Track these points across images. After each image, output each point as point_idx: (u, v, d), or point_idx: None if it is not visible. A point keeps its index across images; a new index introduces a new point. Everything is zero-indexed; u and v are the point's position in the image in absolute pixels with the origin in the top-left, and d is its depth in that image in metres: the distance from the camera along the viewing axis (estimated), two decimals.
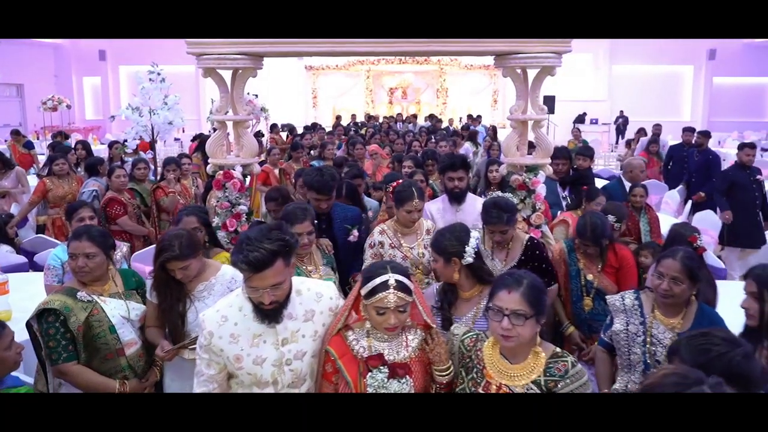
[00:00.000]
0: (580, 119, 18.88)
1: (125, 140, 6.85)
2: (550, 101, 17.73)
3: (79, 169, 6.37)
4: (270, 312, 1.87)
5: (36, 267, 4.16)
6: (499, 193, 3.46)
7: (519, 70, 3.33)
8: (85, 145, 7.17)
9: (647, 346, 2.31)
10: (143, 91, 6.46)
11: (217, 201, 3.34)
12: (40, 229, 5.55)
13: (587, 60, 19.60)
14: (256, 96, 9.89)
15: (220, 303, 2.01)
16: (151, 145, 6.70)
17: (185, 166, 5.74)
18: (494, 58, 3.35)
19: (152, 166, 6.51)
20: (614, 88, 19.64)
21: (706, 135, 7.49)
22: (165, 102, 6.48)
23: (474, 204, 3.50)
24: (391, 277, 1.86)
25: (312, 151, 7.81)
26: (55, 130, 13.23)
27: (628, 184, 4.72)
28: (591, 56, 19.51)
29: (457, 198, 3.53)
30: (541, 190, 3.34)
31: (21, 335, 2.75)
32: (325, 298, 2.06)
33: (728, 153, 13.29)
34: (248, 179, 3.64)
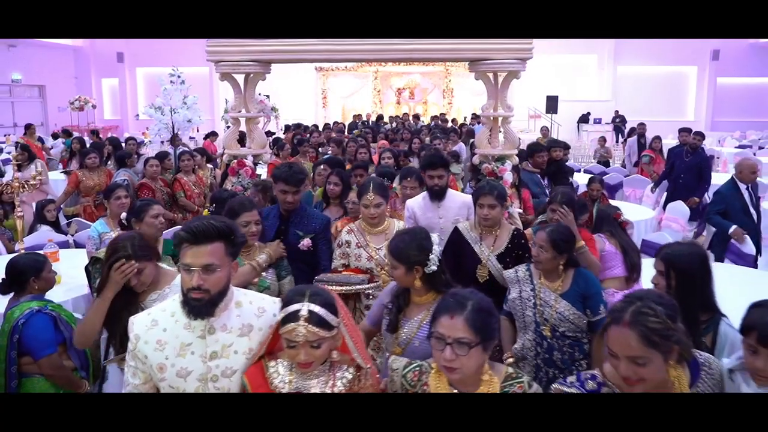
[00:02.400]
0: (584, 119, 19.23)
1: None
2: (552, 101, 18.14)
3: (109, 163, 7.02)
4: (195, 303, 1.72)
5: (76, 244, 4.78)
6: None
7: (490, 74, 3.88)
8: (112, 141, 7.86)
9: (537, 307, 2.63)
10: (165, 92, 7.10)
11: (232, 185, 3.93)
12: (68, 218, 6.19)
13: (592, 60, 19.97)
14: (268, 97, 10.46)
15: (154, 307, 1.91)
16: (172, 141, 7.33)
17: (197, 158, 6.36)
18: (468, 64, 3.90)
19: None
20: (618, 88, 19.89)
21: (701, 135, 7.39)
22: (184, 102, 7.12)
23: (454, 200, 3.61)
24: (304, 307, 1.65)
25: (321, 148, 8.29)
26: (61, 130, 13.96)
27: (742, 185, 4.78)
28: (595, 57, 19.86)
29: (437, 195, 3.62)
30: (508, 177, 3.87)
31: (69, 294, 3.41)
32: (268, 314, 1.85)
33: (722, 151, 13.68)
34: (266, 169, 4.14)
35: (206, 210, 4.42)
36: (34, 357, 2.54)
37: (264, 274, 2.85)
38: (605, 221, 3.35)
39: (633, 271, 3.18)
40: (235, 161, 3.93)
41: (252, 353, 1.80)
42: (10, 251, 4.50)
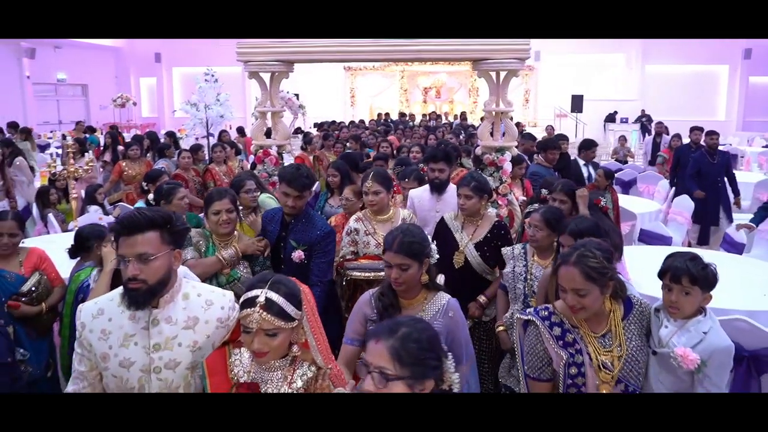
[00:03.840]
0: (611, 118, 19.25)
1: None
2: (577, 100, 18.23)
3: (147, 155, 7.63)
4: (132, 293, 1.71)
5: None
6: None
7: (492, 73, 4.24)
8: (150, 135, 8.52)
9: (527, 281, 2.90)
10: (200, 90, 7.69)
11: (258, 172, 4.39)
12: (112, 204, 6.79)
13: (619, 60, 19.95)
14: (297, 96, 10.99)
15: (103, 296, 1.90)
16: (220, 137, 7.93)
17: (228, 150, 6.90)
18: (471, 63, 4.27)
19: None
20: (646, 87, 19.78)
21: (716, 134, 7.05)
22: (217, 99, 7.69)
23: (454, 195, 3.54)
24: (263, 294, 1.63)
25: (348, 143, 8.75)
26: (84, 126, 14.77)
27: None
28: (623, 56, 19.80)
29: (437, 188, 3.74)
30: (507, 166, 4.23)
31: None
32: (215, 307, 1.85)
33: (745, 150, 13.61)
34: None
35: None
36: None
37: (238, 265, 2.91)
38: (588, 207, 3.69)
39: (614, 250, 3.50)
40: (261, 151, 4.40)
41: (197, 346, 1.79)
42: (63, 231, 5.07)
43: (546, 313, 2.07)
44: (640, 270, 3.79)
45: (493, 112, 4.28)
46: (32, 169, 7.69)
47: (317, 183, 7.11)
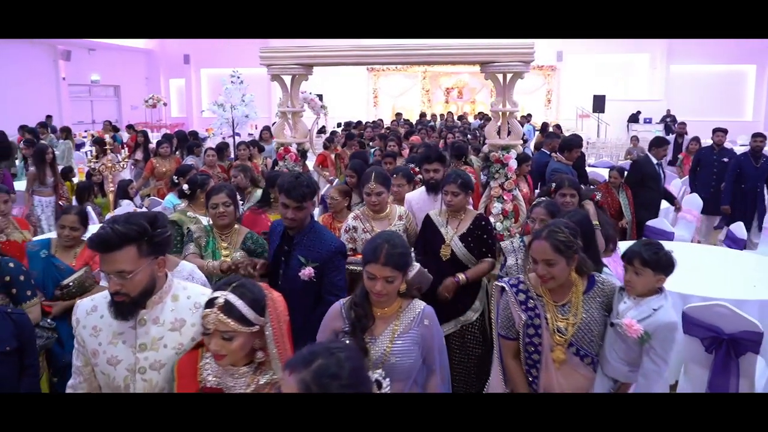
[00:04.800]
0: (634, 118, 19.19)
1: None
2: (599, 101, 18.24)
3: (176, 152, 8.06)
4: (118, 304, 1.74)
5: None
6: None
7: (499, 75, 4.48)
8: (178, 134, 8.98)
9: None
10: (226, 91, 8.09)
11: (280, 168, 4.71)
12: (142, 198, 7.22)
13: (644, 59, 19.84)
14: (320, 96, 11.35)
15: (99, 294, 1.91)
16: (261, 137, 8.36)
17: (251, 148, 7.27)
18: (480, 66, 4.51)
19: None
20: (671, 87, 19.61)
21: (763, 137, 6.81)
22: (243, 99, 8.08)
23: None
24: (222, 296, 1.64)
25: (372, 143, 9.06)
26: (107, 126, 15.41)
27: None
28: (647, 56, 19.67)
29: (433, 188, 3.80)
30: (513, 164, 4.45)
31: None
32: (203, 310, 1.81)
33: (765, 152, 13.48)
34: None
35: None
36: None
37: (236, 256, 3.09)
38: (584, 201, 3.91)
39: (608, 242, 3.71)
40: (282, 148, 4.71)
41: (182, 348, 1.80)
42: (100, 223, 5.48)
43: (516, 281, 2.39)
44: None
45: (500, 113, 4.50)
46: (70, 167, 8.18)
47: (336, 180, 7.48)
